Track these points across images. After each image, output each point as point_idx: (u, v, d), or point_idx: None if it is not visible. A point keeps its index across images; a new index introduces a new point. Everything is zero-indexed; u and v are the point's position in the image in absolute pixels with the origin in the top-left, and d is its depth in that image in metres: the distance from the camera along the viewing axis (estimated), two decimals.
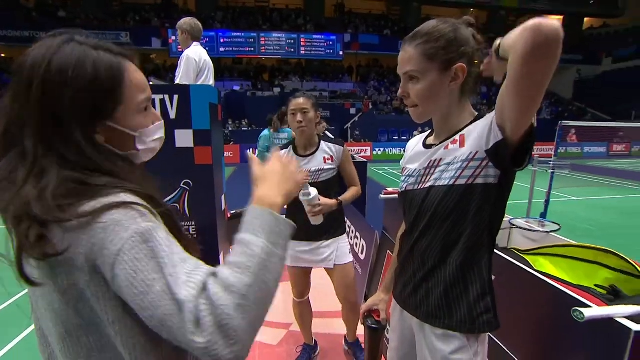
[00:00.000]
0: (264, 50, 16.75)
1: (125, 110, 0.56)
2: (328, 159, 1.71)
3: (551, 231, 1.72)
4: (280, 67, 18.76)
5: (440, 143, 0.90)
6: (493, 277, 0.91)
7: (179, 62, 2.67)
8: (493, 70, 0.85)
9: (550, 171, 3.73)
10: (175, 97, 2.05)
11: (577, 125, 5.56)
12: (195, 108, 2.08)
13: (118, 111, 0.55)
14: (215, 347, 0.43)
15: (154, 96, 0.66)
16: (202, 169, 2.10)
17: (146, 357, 0.53)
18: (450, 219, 0.85)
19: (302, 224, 1.67)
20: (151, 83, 0.66)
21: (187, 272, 0.46)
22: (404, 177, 1.00)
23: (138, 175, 0.58)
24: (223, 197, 2.55)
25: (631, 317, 0.78)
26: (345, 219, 1.94)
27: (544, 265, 1.32)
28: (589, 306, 0.84)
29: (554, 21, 0.60)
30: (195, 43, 2.72)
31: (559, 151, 3.77)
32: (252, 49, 16.65)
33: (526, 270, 1.10)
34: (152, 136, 0.62)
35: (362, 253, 2.61)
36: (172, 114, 2.05)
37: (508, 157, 0.75)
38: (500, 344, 1.14)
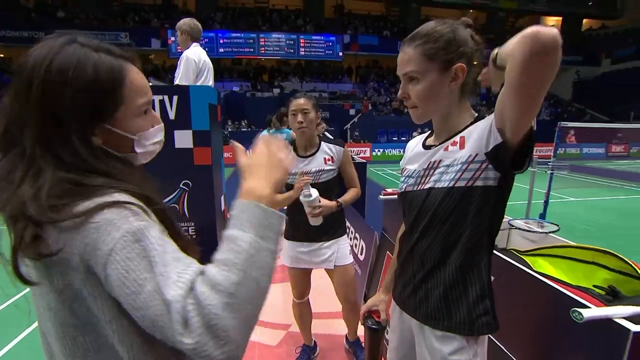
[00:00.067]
0: (263, 51, 16.76)
1: (124, 113, 0.56)
2: (328, 160, 1.71)
3: (550, 232, 1.72)
4: (279, 67, 18.76)
5: (439, 144, 0.90)
6: (492, 278, 0.91)
7: (178, 62, 2.67)
8: (491, 79, 0.86)
9: (549, 172, 3.73)
10: (175, 97, 2.05)
11: (576, 126, 5.56)
12: (194, 109, 2.08)
13: (118, 113, 0.55)
14: (205, 347, 0.42)
15: (153, 97, 0.65)
16: (202, 169, 2.10)
17: (144, 356, 0.53)
18: (449, 220, 0.85)
19: (303, 225, 1.68)
20: (150, 84, 0.66)
21: (178, 272, 0.45)
22: (403, 178, 1.00)
23: (137, 176, 0.58)
24: (222, 197, 2.55)
25: (630, 318, 0.78)
26: (345, 219, 1.94)
27: (543, 266, 1.33)
28: (588, 307, 0.84)
29: (552, 28, 0.60)
30: (194, 44, 2.72)
31: (558, 152, 3.77)
32: (252, 50, 16.65)
33: (525, 271, 1.10)
34: (152, 139, 0.62)
35: (361, 254, 2.61)
36: (172, 115, 2.05)
37: (508, 159, 0.75)
38: (500, 345, 1.14)
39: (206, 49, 2.89)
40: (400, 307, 1.02)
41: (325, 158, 1.70)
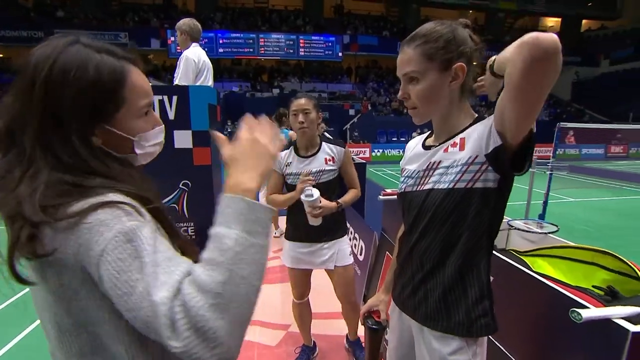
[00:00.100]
0: (263, 51, 16.78)
1: (125, 114, 0.56)
2: (329, 160, 1.70)
3: (549, 232, 1.73)
4: (279, 68, 18.77)
5: (439, 144, 0.90)
6: (492, 279, 0.91)
7: (177, 62, 2.67)
8: (487, 87, 0.86)
9: (548, 172, 3.74)
10: (174, 97, 2.05)
11: (575, 126, 5.58)
12: (194, 109, 2.08)
13: (118, 114, 0.56)
14: (195, 350, 0.41)
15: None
16: (201, 169, 2.10)
17: (142, 354, 0.53)
18: (449, 222, 0.85)
19: (303, 225, 1.68)
20: (149, 84, 0.66)
21: (168, 272, 0.44)
22: (403, 178, 1.00)
23: (135, 177, 0.58)
24: None
25: (628, 318, 0.78)
26: (346, 220, 1.94)
27: (543, 267, 1.33)
28: (587, 307, 0.84)
29: (551, 34, 0.60)
30: (194, 44, 2.72)
31: (557, 153, 3.78)
32: (251, 50, 16.67)
33: (524, 272, 1.10)
34: (152, 141, 0.62)
35: (360, 254, 2.61)
36: (171, 115, 2.05)
37: (507, 161, 0.75)
38: (499, 345, 1.14)
39: (206, 49, 2.89)
40: (400, 307, 1.02)
41: (326, 158, 1.70)
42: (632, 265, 1.13)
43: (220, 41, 16.16)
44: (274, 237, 4.12)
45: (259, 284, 0.48)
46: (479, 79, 0.88)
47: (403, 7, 20.21)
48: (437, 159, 0.88)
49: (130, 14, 16.52)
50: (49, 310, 0.52)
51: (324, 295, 2.35)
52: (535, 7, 19.78)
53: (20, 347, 2.25)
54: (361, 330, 1.61)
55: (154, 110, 0.63)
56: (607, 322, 0.79)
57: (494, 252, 0.95)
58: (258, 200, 0.52)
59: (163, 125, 0.65)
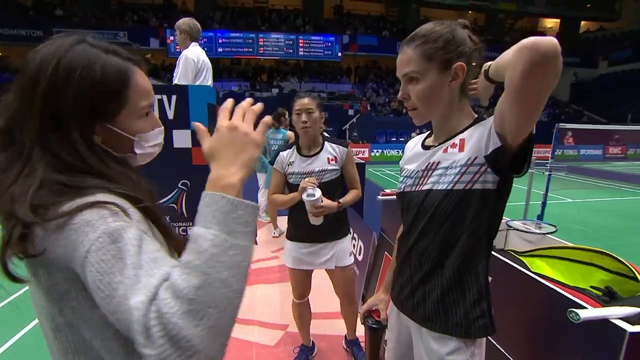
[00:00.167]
0: (262, 51, 16.76)
1: (127, 114, 0.57)
2: (332, 160, 1.70)
3: (548, 233, 1.73)
4: (278, 67, 18.76)
5: (439, 145, 0.90)
6: (490, 279, 0.91)
7: (177, 62, 2.67)
8: (480, 92, 0.86)
9: (547, 173, 3.75)
10: (174, 97, 2.05)
11: (574, 127, 5.59)
12: (193, 108, 2.08)
13: (120, 114, 0.56)
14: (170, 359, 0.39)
15: None
16: (200, 169, 2.10)
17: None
18: (448, 223, 0.85)
19: (304, 225, 1.68)
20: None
21: (150, 275, 0.42)
22: (402, 178, 1.00)
23: (132, 177, 0.58)
24: None
25: (626, 319, 0.79)
26: (348, 220, 1.94)
27: (541, 267, 1.33)
28: (585, 307, 0.85)
29: (550, 38, 0.60)
30: (193, 43, 2.71)
31: (555, 153, 3.79)
32: (251, 50, 16.65)
33: (523, 272, 1.10)
34: (151, 141, 0.62)
35: (359, 254, 2.61)
36: (170, 115, 2.05)
37: (507, 163, 0.76)
38: (497, 345, 1.15)
39: (205, 49, 2.89)
40: (398, 308, 1.02)
41: (328, 158, 1.70)
42: (630, 266, 1.14)
43: (220, 41, 16.14)
44: (273, 237, 4.12)
45: (241, 288, 0.45)
46: (472, 81, 0.88)
47: (403, 7, 20.22)
48: (436, 159, 0.89)
49: (130, 13, 16.49)
50: (44, 309, 0.52)
51: (323, 295, 2.35)
52: (535, 8, 19.83)
53: (19, 347, 2.25)
54: (360, 330, 1.61)
55: (153, 110, 0.63)
56: (604, 322, 0.79)
57: (492, 252, 0.95)
58: (257, 199, 0.49)
59: (162, 127, 0.65)
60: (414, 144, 1.03)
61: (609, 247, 1.21)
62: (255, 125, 0.55)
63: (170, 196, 2.13)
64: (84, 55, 0.52)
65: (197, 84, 2.64)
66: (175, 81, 2.65)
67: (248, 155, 0.52)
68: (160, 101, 2.02)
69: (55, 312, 0.51)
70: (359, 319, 1.38)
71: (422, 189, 0.90)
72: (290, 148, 1.75)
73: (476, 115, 0.89)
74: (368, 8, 20.25)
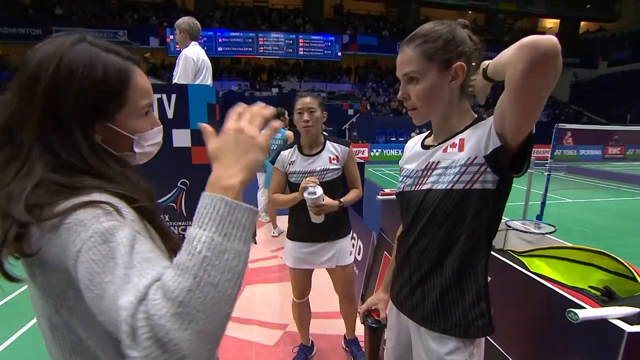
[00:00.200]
0: (262, 51, 16.75)
1: (127, 114, 0.57)
2: (333, 159, 1.70)
3: (547, 233, 1.73)
4: (278, 67, 18.75)
5: (438, 144, 0.90)
6: (489, 279, 0.91)
7: (177, 61, 2.67)
8: (477, 90, 0.86)
9: (546, 173, 3.75)
10: (173, 96, 2.05)
11: (573, 128, 5.60)
12: (192, 108, 2.08)
13: (120, 113, 0.56)
14: None
15: None
16: (200, 168, 2.10)
17: None
18: (447, 222, 0.85)
19: (305, 224, 1.68)
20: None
21: (141, 275, 0.41)
22: (401, 178, 1.00)
23: (131, 176, 0.58)
24: None
25: (624, 319, 0.79)
26: (349, 219, 1.94)
27: (540, 267, 1.33)
28: (584, 307, 0.85)
29: (550, 36, 0.60)
30: (193, 42, 2.71)
31: (555, 153, 3.79)
32: (251, 49, 16.64)
33: (522, 272, 1.10)
34: (151, 140, 0.63)
35: (359, 254, 2.61)
36: (170, 114, 2.05)
37: (506, 163, 0.76)
38: (496, 345, 1.15)
39: (205, 48, 2.88)
40: (397, 307, 1.02)
41: (330, 157, 1.70)
42: (628, 266, 1.14)
43: (220, 40, 16.12)
44: (272, 236, 4.12)
45: (233, 293, 0.44)
46: (471, 77, 0.88)
47: (402, 7, 20.21)
48: (436, 159, 0.89)
49: (129, 12, 16.46)
50: (40, 307, 0.52)
51: (322, 295, 2.36)
52: (535, 8, 19.83)
53: (17, 346, 2.24)
54: (359, 330, 1.61)
55: (152, 109, 0.64)
56: (603, 322, 0.79)
57: (491, 252, 0.95)
58: (257, 200, 0.49)
59: (161, 126, 0.65)
60: (414, 143, 1.03)
61: (608, 247, 1.21)
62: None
63: (169, 195, 2.13)
64: (85, 54, 0.52)
65: (196, 83, 2.63)
66: (175, 80, 2.64)
67: (251, 158, 0.51)
68: (160, 100, 2.02)
69: (51, 312, 0.51)
70: (358, 318, 1.38)
71: (422, 188, 0.90)
72: (291, 147, 1.75)
73: (476, 115, 0.89)
74: (368, 8, 20.24)
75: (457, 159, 0.83)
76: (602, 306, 0.95)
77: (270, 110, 0.55)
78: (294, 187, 1.70)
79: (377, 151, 13.78)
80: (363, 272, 2.44)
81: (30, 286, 0.52)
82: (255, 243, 3.86)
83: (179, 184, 2.13)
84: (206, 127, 0.54)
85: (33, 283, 0.50)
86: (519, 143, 0.73)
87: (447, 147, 0.87)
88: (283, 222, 1.92)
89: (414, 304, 0.93)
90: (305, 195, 1.51)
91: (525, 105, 0.67)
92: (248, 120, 0.53)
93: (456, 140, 0.86)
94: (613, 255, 1.20)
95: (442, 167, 0.86)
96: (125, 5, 17.02)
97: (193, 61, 2.61)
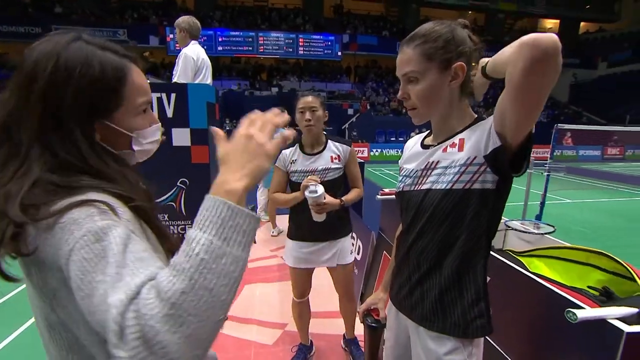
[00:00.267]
0: (262, 50, 16.73)
1: (124, 111, 0.57)
2: (335, 159, 1.70)
3: (546, 233, 1.74)
4: (278, 66, 18.73)
5: (438, 144, 0.90)
6: (488, 279, 0.92)
7: (176, 60, 2.67)
8: (476, 87, 0.86)
9: (545, 174, 3.76)
10: (173, 95, 2.05)
11: (573, 128, 5.60)
12: (192, 107, 2.07)
13: (118, 111, 0.56)
14: None
15: (151, 94, 0.65)
16: (199, 168, 2.10)
17: None
18: (447, 222, 0.85)
19: (306, 224, 1.68)
20: (148, 81, 0.67)
21: (134, 274, 0.41)
22: (401, 177, 1.01)
23: (129, 175, 0.58)
24: None
25: (623, 319, 0.79)
26: (350, 218, 1.94)
27: (539, 267, 1.33)
28: (582, 307, 0.85)
29: (550, 34, 0.60)
30: (193, 41, 2.71)
31: (554, 154, 3.79)
32: (251, 49, 16.62)
33: (521, 272, 1.11)
34: (149, 138, 0.63)
35: (358, 253, 2.62)
36: (170, 113, 2.05)
37: (506, 162, 0.76)
38: (495, 345, 1.15)
39: (205, 47, 2.88)
40: (397, 307, 1.02)
41: (332, 156, 1.70)
42: (627, 266, 1.14)
43: (220, 39, 16.10)
44: (272, 236, 4.12)
45: (228, 299, 0.42)
46: (471, 72, 0.88)
47: (402, 7, 20.20)
48: (436, 158, 0.89)
49: (129, 11, 16.43)
50: (37, 307, 0.52)
51: (321, 294, 2.36)
52: (535, 8, 19.83)
53: (16, 345, 2.24)
54: (358, 329, 1.61)
55: (152, 107, 0.64)
56: (602, 322, 0.80)
57: (490, 252, 0.95)
58: (256, 199, 0.49)
59: (160, 124, 0.65)
60: (413, 143, 1.03)
61: (607, 248, 1.22)
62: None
63: (169, 194, 2.13)
64: (81, 52, 0.52)
65: (196, 82, 2.63)
66: (175, 79, 2.64)
67: (257, 164, 0.50)
68: (160, 99, 2.02)
69: (48, 311, 0.51)
70: (357, 318, 1.38)
71: (421, 188, 0.90)
72: (293, 146, 1.75)
73: (476, 115, 0.89)
74: (368, 7, 20.23)
75: (457, 158, 0.83)
76: (600, 306, 0.96)
77: (283, 118, 0.55)
78: (295, 186, 1.70)
79: (376, 151, 13.79)
80: (362, 271, 2.44)
81: (28, 285, 0.52)
82: (255, 242, 3.85)
83: (178, 183, 2.12)
84: (218, 131, 0.54)
85: (30, 282, 0.50)
86: (518, 143, 0.73)
87: (446, 146, 0.87)
88: (282, 221, 1.92)
89: (413, 303, 0.93)
90: (307, 193, 1.51)
91: (526, 103, 0.67)
92: (259, 127, 0.53)
93: (456, 140, 0.86)
94: (612, 255, 1.20)
95: (441, 167, 0.86)
96: (125, 4, 16.97)
97: (193, 60, 2.60)
